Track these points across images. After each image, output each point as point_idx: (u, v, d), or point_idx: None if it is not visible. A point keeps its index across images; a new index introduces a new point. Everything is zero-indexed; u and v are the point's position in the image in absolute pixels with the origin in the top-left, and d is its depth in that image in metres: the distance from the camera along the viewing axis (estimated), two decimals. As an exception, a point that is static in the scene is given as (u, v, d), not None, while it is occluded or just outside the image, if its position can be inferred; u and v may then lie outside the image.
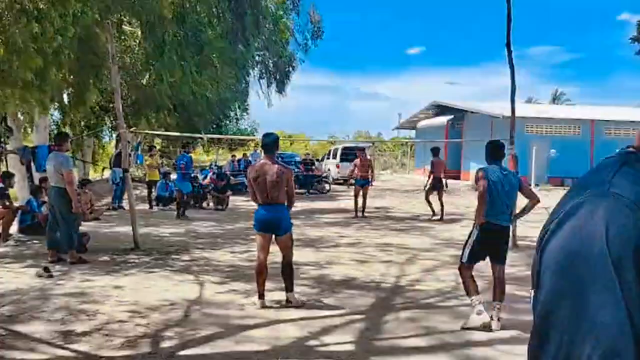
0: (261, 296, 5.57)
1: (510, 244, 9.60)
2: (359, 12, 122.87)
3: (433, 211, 13.20)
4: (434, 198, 13.19)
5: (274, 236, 5.62)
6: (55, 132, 18.77)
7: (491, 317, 4.93)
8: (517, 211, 5.53)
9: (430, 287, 6.61)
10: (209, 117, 23.35)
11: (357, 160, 14.03)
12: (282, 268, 5.65)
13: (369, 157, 15.95)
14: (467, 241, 5.19)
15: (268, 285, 6.07)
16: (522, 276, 7.06)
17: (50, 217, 8.01)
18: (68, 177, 7.63)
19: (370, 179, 14.25)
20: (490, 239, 5.09)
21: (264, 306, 5.50)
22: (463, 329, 4.95)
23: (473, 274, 5.15)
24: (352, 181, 14.71)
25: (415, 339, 4.72)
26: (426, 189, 13.48)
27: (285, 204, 5.58)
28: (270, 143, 5.70)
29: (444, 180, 13.39)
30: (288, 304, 5.55)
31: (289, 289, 5.63)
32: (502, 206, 5.09)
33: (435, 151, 13.76)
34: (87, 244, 8.67)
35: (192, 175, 16.17)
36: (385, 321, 5.21)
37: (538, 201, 5.25)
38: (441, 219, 12.93)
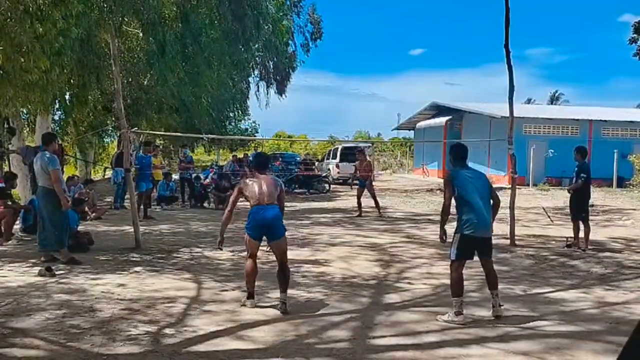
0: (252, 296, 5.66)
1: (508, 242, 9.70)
2: (359, 14, 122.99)
3: None
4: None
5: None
6: (59, 131, 18.89)
7: (493, 305, 5.32)
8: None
9: (427, 285, 6.69)
10: (209, 117, 23.42)
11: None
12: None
13: (368, 157, 16.15)
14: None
15: (270, 284, 6.17)
16: (515, 275, 7.17)
17: (39, 218, 8.00)
18: (54, 176, 7.55)
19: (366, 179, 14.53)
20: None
21: (255, 306, 5.55)
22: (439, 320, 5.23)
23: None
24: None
25: (413, 337, 4.78)
26: None
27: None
28: (262, 163, 5.97)
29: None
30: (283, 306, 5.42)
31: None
32: None
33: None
34: (89, 243, 8.77)
35: (193, 174, 16.53)
36: (383, 319, 5.27)
37: None
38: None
